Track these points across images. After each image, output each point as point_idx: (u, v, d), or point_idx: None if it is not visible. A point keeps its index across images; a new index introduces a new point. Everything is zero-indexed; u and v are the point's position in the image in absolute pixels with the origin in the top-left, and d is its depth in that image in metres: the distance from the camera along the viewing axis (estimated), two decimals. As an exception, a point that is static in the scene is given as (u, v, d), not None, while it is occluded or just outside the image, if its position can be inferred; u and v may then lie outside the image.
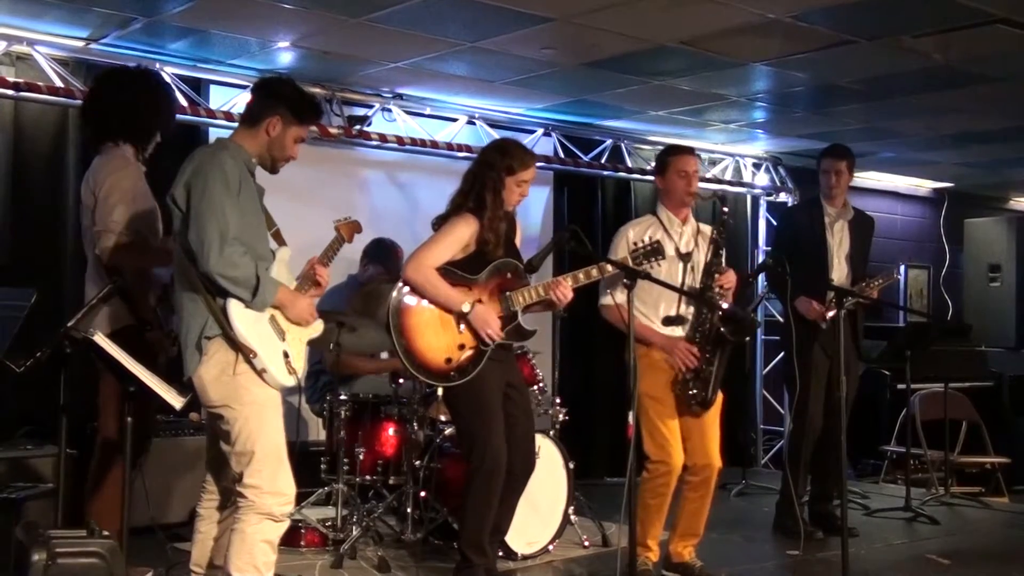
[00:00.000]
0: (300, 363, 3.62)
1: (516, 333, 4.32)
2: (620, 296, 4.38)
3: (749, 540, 5.87)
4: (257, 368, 3.44)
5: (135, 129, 4.24)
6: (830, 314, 5.47)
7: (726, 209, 4.73)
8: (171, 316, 4.07)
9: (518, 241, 4.51)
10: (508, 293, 4.28)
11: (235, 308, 3.41)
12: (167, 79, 5.92)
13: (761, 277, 7.61)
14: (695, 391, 4.57)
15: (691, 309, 4.63)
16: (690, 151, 4.82)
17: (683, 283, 4.62)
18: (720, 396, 4.69)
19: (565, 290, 4.27)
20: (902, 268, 10.33)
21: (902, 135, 8.13)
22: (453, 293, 4.20)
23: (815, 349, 5.64)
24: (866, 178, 9.86)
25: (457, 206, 4.32)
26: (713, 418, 4.69)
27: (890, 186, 10.38)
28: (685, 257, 4.66)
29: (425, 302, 4.22)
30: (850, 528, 4.74)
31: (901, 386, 7.36)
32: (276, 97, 3.62)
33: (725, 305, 4.57)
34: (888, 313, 9.68)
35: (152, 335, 4.08)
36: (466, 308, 4.19)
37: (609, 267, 4.33)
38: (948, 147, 8.60)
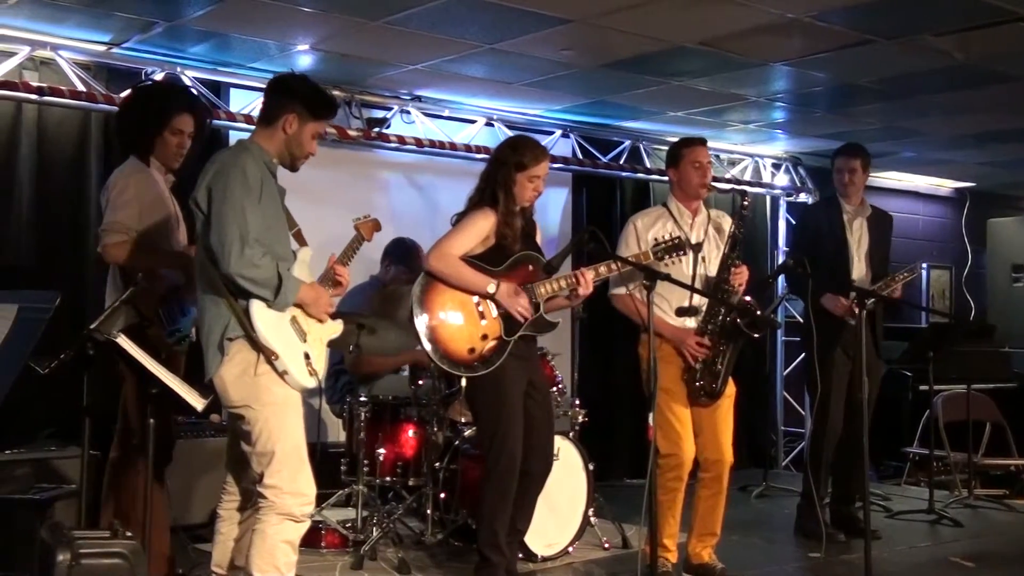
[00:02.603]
0: (321, 364, 3.63)
1: (539, 325, 4.34)
2: (632, 286, 4.41)
3: (770, 542, 5.85)
4: (279, 370, 3.45)
5: (140, 144, 4.26)
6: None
7: (746, 203, 4.73)
8: (178, 316, 4.09)
9: (538, 241, 4.52)
10: (531, 285, 4.29)
11: (257, 310, 3.42)
12: (188, 83, 5.99)
13: (781, 278, 7.58)
14: (703, 382, 4.58)
15: (704, 300, 4.63)
16: (702, 142, 4.83)
17: (694, 273, 4.65)
18: (733, 390, 4.69)
19: (588, 283, 4.29)
20: (924, 268, 10.27)
21: (923, 134, 8.09)
22: (477, 277, 4.24)
23: (836, 350, 5.61)
24: (887, 178, 9.81)
25: (474, 204, 4.37)
26: (725, 413, 4.69)
27: (911, 186, 10.32)
28: (696, 248, 4.67)
29: (447, 294, 4.24)
30: (873, 530, 4.71)
31: (924, 387, 7.31)
32: (290, 94, 3.62)
33: (747, 298, 4.58)
34: (910, 314, 9.63)
35: (152, 331, 4.06)
36: (492, 289, 4.22)
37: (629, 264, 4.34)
38: (970, 146, 8.55)
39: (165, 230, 4.21)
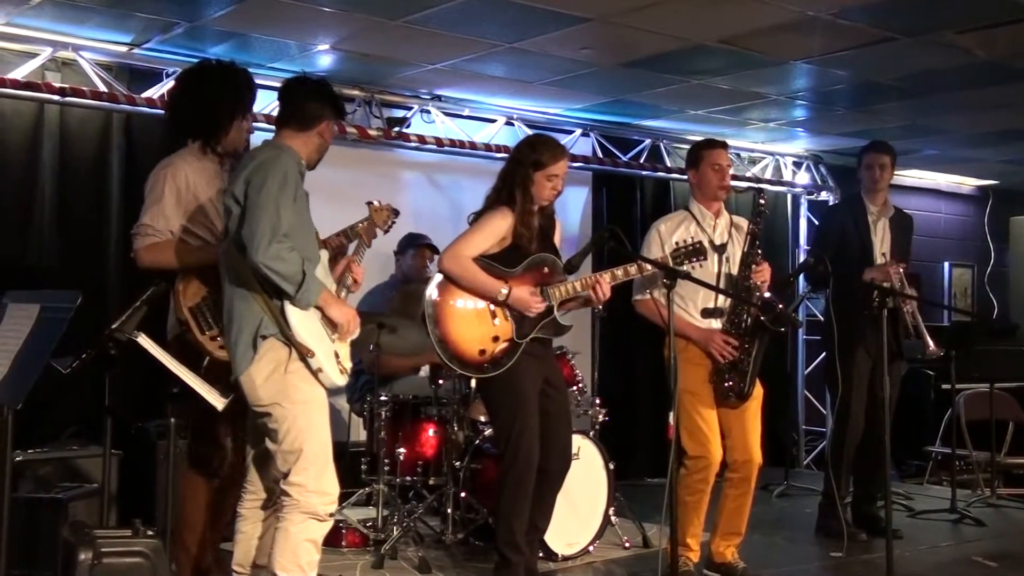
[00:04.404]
0: (349, 362, 3.66)
1: (553, 327, 4.34)
2: (656, 291, 4.40)
3: (791, 541, 5.83)
4: (313, 368, 3.48)
5: (192, 125, 4.03)
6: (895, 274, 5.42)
7: (763, 200, 4.71)
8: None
9: (557, 239, 4.51)
10: (545, 287, 4.29)
11: (292, 308, 3.45)
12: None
13: (802, 276, 7.55)
14: (732, 383, 4.56)
15: (728, 301, 4.61)
16: (723, 145, 4.81)
17: (719, 274, 4.64)
18: (760, 390, 4.68)
19: (604, 287, 4.27)
20: (946, 267, 10.22)
21: (945, 132, 8.04)
22: (490, 281, 4.23)
23: (857, 349, 5.59)
24: (908, 176, 9.75)
25: (491, 203, 4.35)
26: (754, 414, 4.67)
27: (933, 184, 10.26)
28: (720, 249, 4.67)
29: (459, 294, 4.25)
30: (894, 530, 4.69)
31: (946, 386, 7.28)
32: (323, 101, 3.68)
33: (767, 294, 4.57)
34: (932, 312, 9.56)
35: (190, 336, 4.02)
36: (503, 294, 4.21)
37: (648, 266, 4.33)
38: (992, 144, 8.49)
39: (200, 218, 3.96)
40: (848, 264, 5.50)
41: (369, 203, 4.22)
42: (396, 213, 4.28)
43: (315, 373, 3.49)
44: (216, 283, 3.71)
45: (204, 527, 4.03)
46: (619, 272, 4.33)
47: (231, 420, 3.81)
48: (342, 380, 3.59)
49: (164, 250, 3.88)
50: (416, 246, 6.08)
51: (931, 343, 5.60)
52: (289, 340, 3.46)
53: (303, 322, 3.47)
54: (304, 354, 3.46)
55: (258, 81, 6.20)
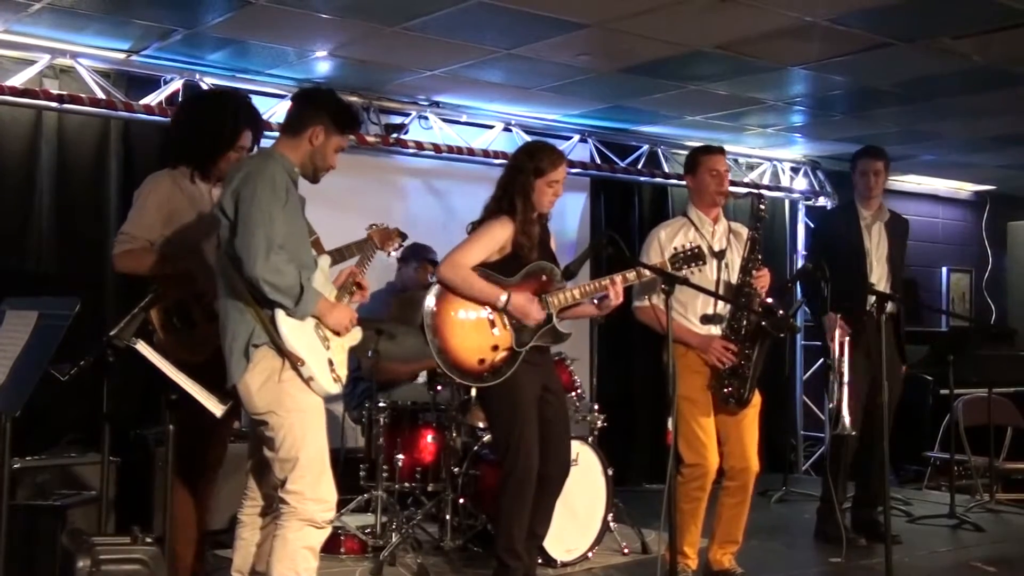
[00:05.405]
0: (343, 371, 3.65)
1: (552, 335, 4.33)
2: (655, 297, 4.39)
3: (790, 547, 5.83)
4: (304, 376, 3.47)
5: (182, 152, 4.10)
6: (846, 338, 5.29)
7: (763, 206, 4.71)
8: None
9: (553, 247, 4.51)
10: (543, 295, 4.29)
11: (283, 317, 3.44)
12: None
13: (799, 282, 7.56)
14: (731, 388, 4.55)
15: (727, 307, 4.61)
16: (720, 150, 4.81)
17: (718, 280, 4.64)
18: (758, 398, 4.67)
19: (618, 291, 4.28)
20: (944, 272, 10.23)
21: (942, 137, 8.05)
22: (489, 288, 4.22)
23: (857, 354, 5.58)
24: (906, 181, 9.76)
25: (491, 212, 4.35)
26: (752, 421, 4.67)
27: (930, 189, 10.27)
28: (719, 255, 4.67)
29: (458, 304, 4.24)
30: (893, 535, 4.69)
31: (944, 391, 7.27)
32: (318, 107, 3.65)
33: (769, 300, 4.57)
34: (930, 317, 9.58)
35: (157, 337, 3.92)
36: (502, 300, 4.21)
37: (647, 272, 4.33)
38: (990, 149, 8.50)
39: (185, 239, 4.02)
40: (842, 269, 5.49)
41: (373, 226, 4.28)
42: (404, 237, 4.36)
43: (306, 381, 3.48)
44: (190, 289, 3.78)
45: (194, 535, 4.03)
46: (617, 278, 4.33)
47: (211, 427, 3.82)
48: (335, 388, 3.57)
49: (138, 257, 3.93)
50: (420, 259, 6.05)
51: None
52: (279, 349, 3.45)
53: (294, 331, 3.45)
54: (294, 363, 3.45)
55: (256, 88, 6.31)
